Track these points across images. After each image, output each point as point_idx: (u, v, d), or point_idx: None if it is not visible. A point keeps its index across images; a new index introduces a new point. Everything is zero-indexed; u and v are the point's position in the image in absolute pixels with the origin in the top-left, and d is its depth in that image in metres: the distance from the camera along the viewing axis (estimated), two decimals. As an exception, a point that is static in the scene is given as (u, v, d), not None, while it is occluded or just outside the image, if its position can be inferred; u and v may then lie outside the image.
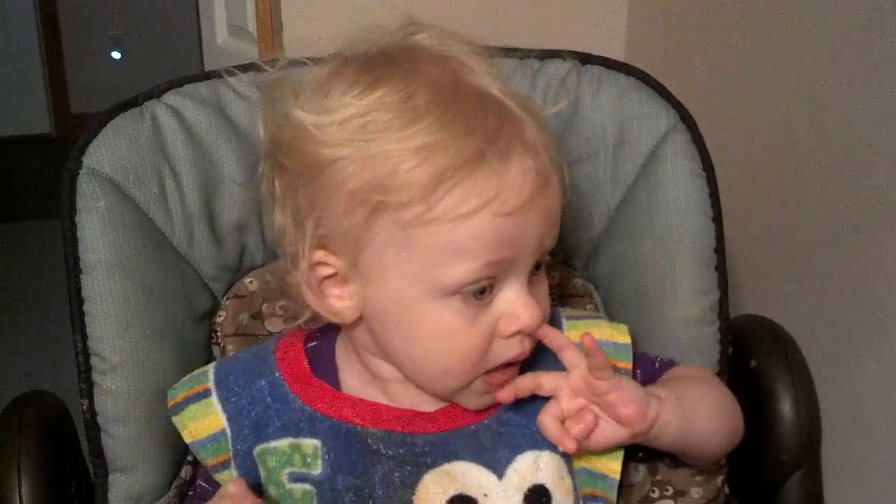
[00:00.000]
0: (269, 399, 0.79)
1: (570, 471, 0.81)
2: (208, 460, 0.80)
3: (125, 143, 0.85)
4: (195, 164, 0.88)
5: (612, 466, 0.82)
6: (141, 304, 0.84)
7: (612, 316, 0.95)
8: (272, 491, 0.78)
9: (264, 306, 0.92)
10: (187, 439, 0.79)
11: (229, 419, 0.79)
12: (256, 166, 0.90)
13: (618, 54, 1.47)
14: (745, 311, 1.08)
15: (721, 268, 0.93)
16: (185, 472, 0.87)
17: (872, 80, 1.02)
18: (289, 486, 0.77)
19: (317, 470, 0.77)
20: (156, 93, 0.89)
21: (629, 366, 0.84)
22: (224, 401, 0.80)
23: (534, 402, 0.79)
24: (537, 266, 0.76)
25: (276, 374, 0.80)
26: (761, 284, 1.25)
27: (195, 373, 0.83)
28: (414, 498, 0.76)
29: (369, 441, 0.78)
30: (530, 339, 0.76)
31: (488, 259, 0.71)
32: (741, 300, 1.21)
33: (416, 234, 0.70)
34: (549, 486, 0.79)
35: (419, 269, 0.71)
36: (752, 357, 0.96)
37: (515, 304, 0.73)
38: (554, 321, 0.84)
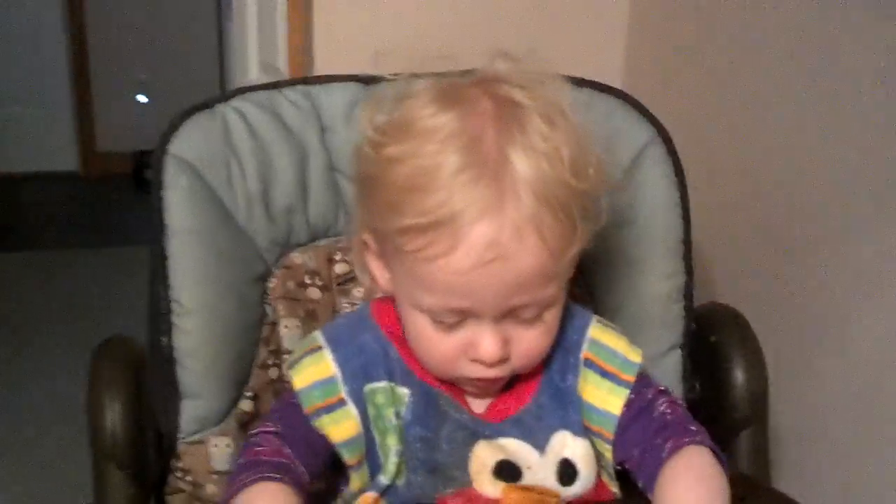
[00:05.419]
0: (374, 347, 0.90)
1: (594, 452, 0.92)
2: (317, 402, 0.88)
3: (201, 136, 1.04)
4: (255, 155, 1.06)
5: (614, 402, 0.91)
6: (212, 264, 1.02)
7: (594, 293, 1.12)
8: (380, 426, 0.88)
9: (305, 277, 1.09)
10: (296, 386, 0.88)
11: (339, 365, 0.88)
12: (303, 161, 1.09)
13: (615, 81, 1.62)
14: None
15: (687, 257, 1.11)
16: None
17: (845, 101, 1.18)
18: (395, 421, 0.88)
19: (404, 413, 0.89)
20: (225, 98, 1.08)
21: (631, 378, 0.92)
22: (334, 351, 0.89)
23: (564, 392, 0.92)
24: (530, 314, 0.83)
25: (380, 332, 0.91)
26: (728, 282, 1.41)
27: (305, 339, 0.94)
28: (471, 454, 0.88)
29: (440, 402, 0.89)
30: (498, 368, 0.85)
31: (446, 304, 0.81)
32: (710, 296, 1.37)
33: (401, 255, 0.82)
34: (575, 460, 0.91)
35: (403, 282, 0.85)
36: (713, 334, 1.10)
37: (477, 336, 0.83)
38: (582, 321, 0.94)
